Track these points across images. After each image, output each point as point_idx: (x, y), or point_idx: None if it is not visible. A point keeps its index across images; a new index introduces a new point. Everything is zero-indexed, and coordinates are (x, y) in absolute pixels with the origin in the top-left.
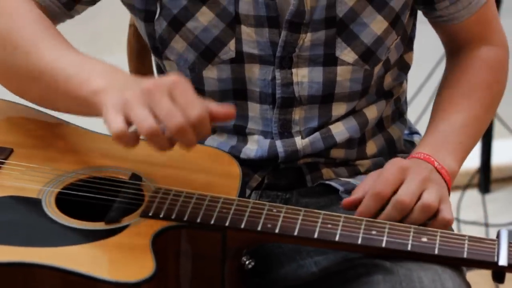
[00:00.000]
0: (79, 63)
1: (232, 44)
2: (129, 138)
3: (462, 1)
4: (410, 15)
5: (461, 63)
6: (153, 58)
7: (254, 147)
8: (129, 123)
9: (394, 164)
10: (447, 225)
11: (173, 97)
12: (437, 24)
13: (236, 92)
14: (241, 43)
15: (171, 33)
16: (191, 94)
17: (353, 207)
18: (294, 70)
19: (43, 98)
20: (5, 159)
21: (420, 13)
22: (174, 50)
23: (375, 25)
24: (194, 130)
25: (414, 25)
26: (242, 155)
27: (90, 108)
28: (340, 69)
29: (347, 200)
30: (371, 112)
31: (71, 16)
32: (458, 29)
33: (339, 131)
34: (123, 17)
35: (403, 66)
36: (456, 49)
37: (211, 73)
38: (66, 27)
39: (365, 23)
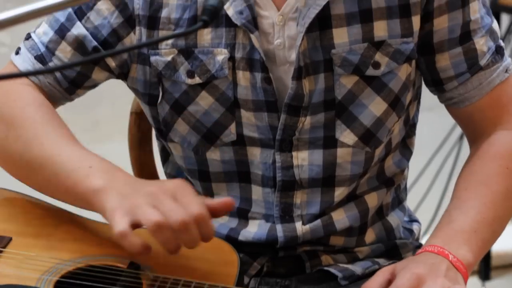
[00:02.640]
0: (79, 158)
1: (233, 127)
2: (131, 243)
3: (472, 81)
4: (413, 100)
5: (478, 151)
6: (153, 145)
7: (253, 229)
8: (134, 226)
9: (409, 271)
10: None
11: (176, 198)
12: (450, 108)
13: (241, 174)
14: (241, 127)
15: (174, 116)
16: (192, 195)
17: None
18: (294, 153)
19: (43, 189)
20: (4, 247)
21: (423, 99)
22: (178, 133)
23: (374, 106)
24: (196, 226)
25: (417, 109)
26: (241, 237)
27: (89, 205)
28: (340, 151)
29: None
30: (372, 200)
31: (72, 100)
32: (471, 112)
33: (340, 219)
34: (124, 105)
35: (405, 151)
36: (475, 135)
37: (214, 155)
38: (68, 113)
39: (364, 104)
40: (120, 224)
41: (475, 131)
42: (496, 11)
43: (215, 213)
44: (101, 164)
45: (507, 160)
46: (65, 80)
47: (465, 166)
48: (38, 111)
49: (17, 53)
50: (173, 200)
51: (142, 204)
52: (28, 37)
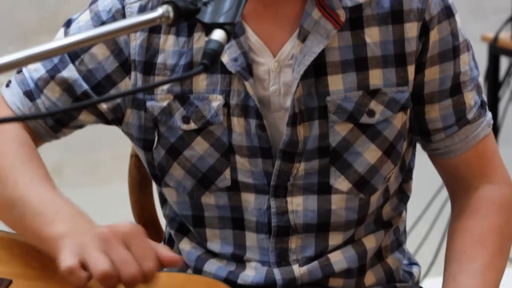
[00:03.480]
0: (48, 201)
1: (227, 173)
2: (79, 278)
3: (459, 134)
4: (408, 145)
5: (468, 208)
6: (154, 188)
7: (251, 273)
8: (83, 266)
9: None
10: None
11: (128, 246)
12: (435, 158)
13: (235, 221)
14: (236, 172)
15: (169, 161)
16: (145, 243)
17: None
18: (289, 199)
19: (15, 228)
20: None
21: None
22: (173, 177)
23: (369, 154)
24: (144, 280)
25: (413, 154)
26: (239, 281)
27: (49, 249)
28: (334, 197)
29: None
30: (370, 242)
31: (57, 138)
32: (456, 164)
33: (338, 260)
34: (124, 147)
35: (402, 196)
36: (458, 189)
37: (209, 200)
38: (68, 155)
39: (358, 152)
40: (68, 260)
41: (458, 183)
42: (495, 54)
43: (162, 263)
44: (68, 210)
45: (498, 217)
46: (51, 118)
47: (457, 222)
48: (19, 149)
49: (7, 85)
50: (125, 247)
51: (92, 248)
52: (20, 70)
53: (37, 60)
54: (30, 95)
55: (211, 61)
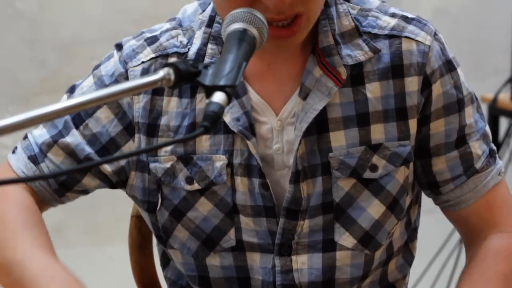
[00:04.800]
0: (44, 267)
1: (232, 233)
2: None
3: (468, 183)
4: (414, 203)
5: (475, 256)
6: (154, 249)
7: None
8: None
9: None
10: None
11: None
12: (447, 210)
13: (241, 280)
14: (240, 232)
15: (173, 223)
16: None
17: None
18: (293, 257)
19: None
20: None
21: (422, 202)
22: (177, 239)
23: (372, 209)
24: None
25: (419, 213)
26: None
27: None
28: (339, 254)
29: None
30: None
31: (63, 202)
32: (467, 214)
33: None
34: (125, 208)
35: (408, 255)
36: (470, 239)
37: (214, 261)
38: (69, 216)
39: (362, 207)
40: None
41: (470, 233)
42: (495, 114)
43: None
44: (63, 277)
45: (504, 266)
46: (55, 182)
47: (464, 272)
48: (22, 215)
49: (13, 151)
50: None
51: None
52: (25, 137)
53: (40, 123)
54: (34, 159)
55: (212, 123)
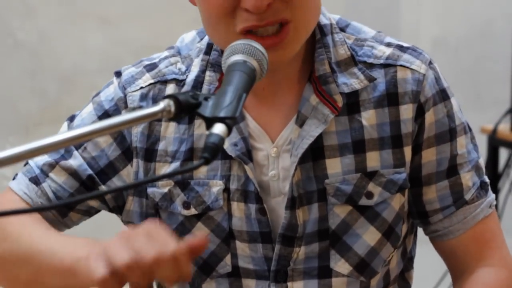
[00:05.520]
0: (64, 240)
1: (228, 259)
2: (113, 285)
3: (457, 214)
4: (410, 233)
5: None
6: None
7: None
8: (113, 272)
9: None
10: None
11: (149, 236)
12: (435, 240)
13: None
14: (236, 258)
15: None
16: (166, 233)
17: None
18: (289, 284)
19: (31, 282)
20: None
21: (420, 233)
22: None
23: (368, 236)
24: (172, 263)
25: (414, 243)
26: None
27: (76, 277)
28: (335, 281)
29: None
30: None
31: (67, 225)
32: (455, 246)
33: None
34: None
35: (404, 284)
36: (457, 272)
37: (210, 287)
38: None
39: (358, 234)
40: (98, 269)
41: (458, 265)
42: (495, 145)
43: (191, 251)
44: (84, 240)
45: None
46: (57, 201)
47: None
48: (27, 217)
49: (14, 178)
50: (147, 238)
51: (113, 246)
52: (26, 163)
53: (39, 154)
54: (36, 180)
55: (212, 154)
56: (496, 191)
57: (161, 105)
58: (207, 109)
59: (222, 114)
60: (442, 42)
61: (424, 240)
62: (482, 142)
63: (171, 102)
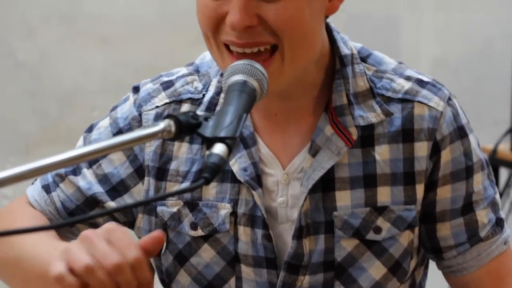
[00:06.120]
0: (49, 244)
1: (232, 282)
2: (69, 283)
3: (471, 251)
4: (420, 265)
5: None
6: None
7: None
8: (70, 269)
9: None
10: None
11: (110, 241)
12: (448, 276)
13: None
14: (241, 282)
15: (177, 267)
16: (127, 238)
17: None
18: None
19: (24, 285)
20: None
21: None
22: (180, 284)
23: (374, 270)
24: (131, 271)
25: (425, 274)
26: None
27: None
28: None
29: None
30: None
31: (73, 234)
32: (469, 281)
33: None
34: None
35: None
36: None
37: None
38: None
39: (363, 268)
40: (55, 268)
41: None
42: (495, 165)
43: (149, 251)
44: (66, 244)
45: None
46: (64, 211)
47: None
48: (33, 221)
49: (32, 183)
50: (107, 244)
51: (74, 249)
52: None
53: (40, 174)
54: (47, 188)
55: (212, 174)
56: None
57: (162, 125)
58: (207, 129)
59: (222, 134)
60: (442, 62)
61: (436, 267)
62: (494, 179)
63: (172, 122)
